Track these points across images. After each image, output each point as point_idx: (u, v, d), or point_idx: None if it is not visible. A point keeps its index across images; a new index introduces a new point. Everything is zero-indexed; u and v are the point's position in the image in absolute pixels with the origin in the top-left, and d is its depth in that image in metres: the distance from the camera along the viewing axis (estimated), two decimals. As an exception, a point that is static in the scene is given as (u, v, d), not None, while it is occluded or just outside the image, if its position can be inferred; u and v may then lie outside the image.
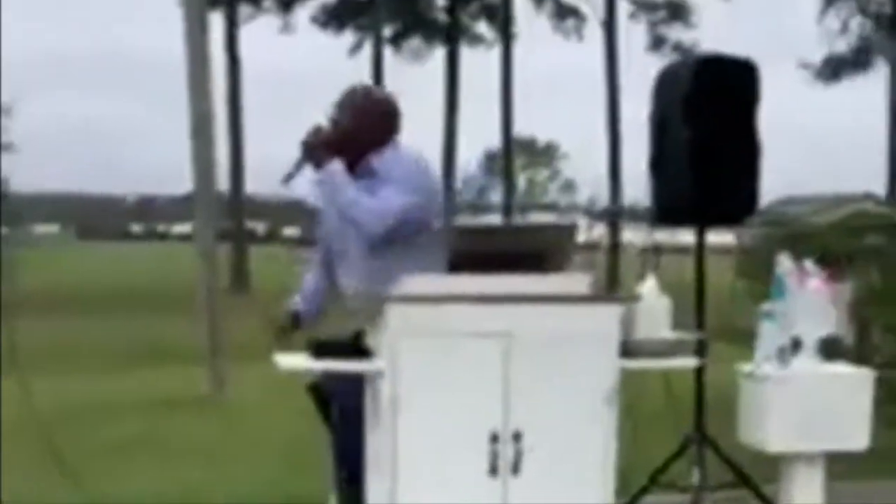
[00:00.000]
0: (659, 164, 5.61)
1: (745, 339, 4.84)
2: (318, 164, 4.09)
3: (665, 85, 5.61)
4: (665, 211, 5.62)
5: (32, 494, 5.79)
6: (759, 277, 6.79)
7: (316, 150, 4.09)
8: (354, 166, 4.11)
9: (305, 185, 4.26)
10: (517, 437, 3.67)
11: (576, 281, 3.81)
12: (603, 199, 29.34)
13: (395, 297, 3.69)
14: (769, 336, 4.39)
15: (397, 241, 4.03)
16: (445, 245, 4.03)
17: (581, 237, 4.27)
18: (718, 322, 5.89)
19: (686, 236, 5.63)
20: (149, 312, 17.70)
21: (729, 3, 30.52)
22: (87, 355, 12.62)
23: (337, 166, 4.07)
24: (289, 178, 4.14)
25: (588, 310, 3.76)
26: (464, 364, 3.65)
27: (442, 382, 3.65)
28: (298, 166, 4.13)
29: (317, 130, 4.13)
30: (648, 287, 4.21)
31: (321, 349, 3.83)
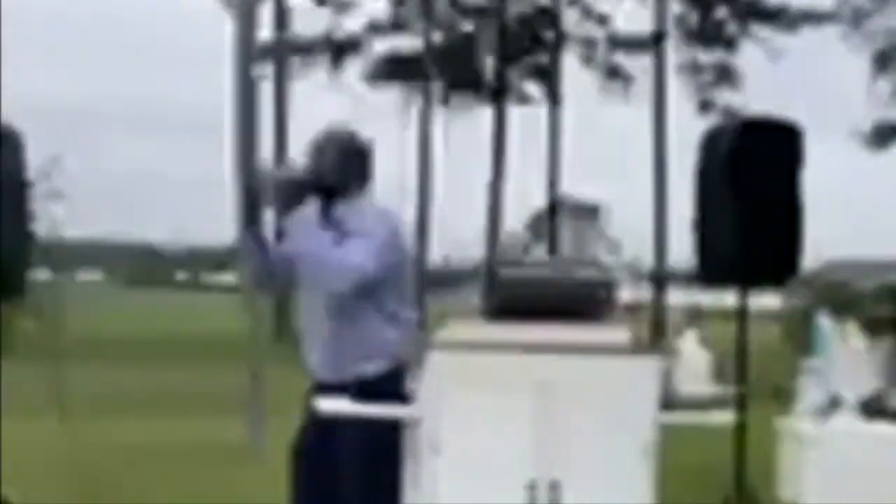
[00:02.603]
0: (703, 224, 5.65)
1: (788, 399, 4.84)
2: (289, 207, 3.98)
3: (709, 146, 5.66)
4: (708, 270, 5.65)
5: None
6: (804, 340, 6.78)
7: (290, 191, 3.97)
8: (327, 210, 4.00)
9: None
10: (554, 486, 3.69)
11: (615, 333, 3.84)
12: (648, 260, 29.23)
13: (436, 343, 3.74)
14: (809, 393, 4.40)
15: (363, 301, 3.94)
16: (416, 308, 3.99)
17: (624, 297, 4.30)
18: (762, 382, 5.88)
19: (732, 300, 5.65)
20: (192, 360, 17.82)
21: (778, 67, 30.57)
22: (129, 402, 12.72)
23: (308, 213, 3.98)
24: (251, 217, 3.99)
25: (628, 362, 3.79)
26: (503, 411, 3.67)
27: (481, 430, 3.67)
28: (251, 207, 3.98)
29: (289, 171, 4.03)
30: (689, 342, 4.23)
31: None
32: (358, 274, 3.88)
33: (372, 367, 4.01)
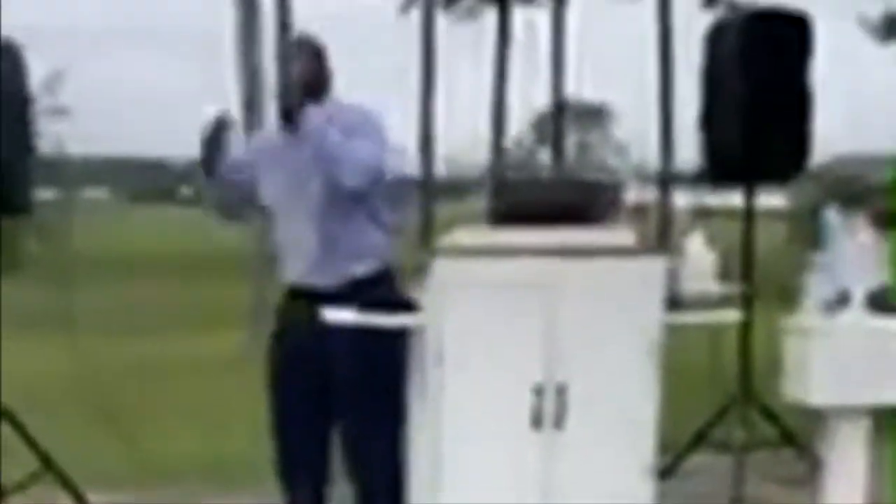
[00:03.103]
0: (709, 120, 5.56)
1: (793, 298, 4.78)
2: (291, 119, 3.93)
3: (716, 39, 5.54)
4: (715, 168, 5.57)
5: (83, 452, 5.87)
6: (812, 237, 6.70)
7: (293, 106, 3.94)
8: (321, 110, 3.94)
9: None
10: (561, 390, 3.67)
11: (621, 235, 3.79)
12: (654, 163, 29.03)
13: (441, 249, 3.69)
14: (816, 288, 4.33)
15: (354, 203, 3.93)
16: (396, 208, 3.98)
17: (631, 199, 4.24)
18: (768, 282, 5.83)
19: (738, 199, 5.57)
20: (197, 276, 17.85)
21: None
22: (136, 319, 12.77)
23: (314, 113, 3.92)
24: (208, 160, 4.19)
25: (633, 263, 3.75)
26: (508, 316, 3.64)
27: (486, 335, 3.64)
28: (216, 138, 4.13)
29: (286, 87, 3.97)
30: (695, 242, 4.18)
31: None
32: (374, 171, 3.88)
33: (362, 269, 3.97)
